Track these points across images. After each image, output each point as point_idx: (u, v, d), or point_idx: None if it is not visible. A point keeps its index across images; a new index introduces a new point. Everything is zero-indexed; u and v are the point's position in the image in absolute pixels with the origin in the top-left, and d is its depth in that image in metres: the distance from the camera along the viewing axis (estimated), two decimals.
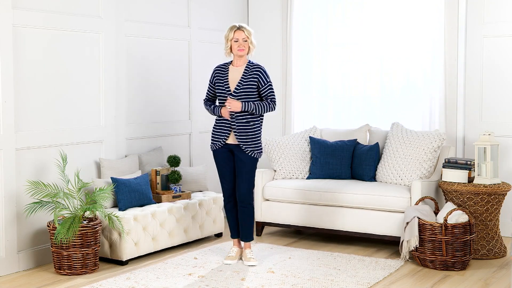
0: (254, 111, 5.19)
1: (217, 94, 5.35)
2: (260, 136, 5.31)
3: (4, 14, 5.01)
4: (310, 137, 6.50)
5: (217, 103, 5.45)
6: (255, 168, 5.36)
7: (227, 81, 5.28)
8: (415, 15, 6.57)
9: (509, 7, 6.15)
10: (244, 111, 5.19)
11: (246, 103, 5.17)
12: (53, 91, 5.43)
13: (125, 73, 6.06)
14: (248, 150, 5.24)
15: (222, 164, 5.38)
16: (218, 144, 5.32)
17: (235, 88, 5.22)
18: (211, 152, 5.52)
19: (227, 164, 5.37)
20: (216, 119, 5.38)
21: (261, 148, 5.32)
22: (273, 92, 5.30)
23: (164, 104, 6.50)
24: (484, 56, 6.27)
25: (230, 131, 5.26)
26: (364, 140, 6.45)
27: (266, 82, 5.25)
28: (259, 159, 5.42)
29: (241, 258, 5.44)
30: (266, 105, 5.25)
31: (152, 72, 6.37)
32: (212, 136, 5.38)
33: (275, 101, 5.29)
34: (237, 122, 5.22)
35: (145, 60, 6.29)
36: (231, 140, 5.29)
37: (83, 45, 5.65)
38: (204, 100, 5.50)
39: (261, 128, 5.32)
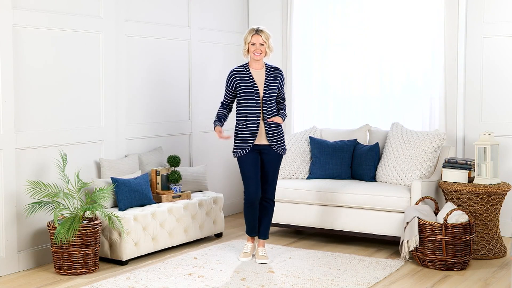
0: (286, 116, 5.53)
1: (243, 97, 5.32)
2: (284, 134, 5.49)
3: (4, 14, 5.02)
4: (310, 137, 6.50)
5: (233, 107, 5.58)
6: (280, 165, 5.53)
7: (255, 84, 5.33)
8: (415, 15, 6.57)
9: (509, 7, 6.15)
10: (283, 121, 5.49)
11: (281, 115, 5.43)
12: (53, 91, 5.43)
13: (125, 73, 6.06)
14: (278, 149, 5.39)
15: (249, 167, 5.38)
16: (247, 149, 5.33)
17: (264, 91, 5.32)
18: (236, 158, 5.48)
19: (255, 165, 5.40)
20: (239, 126, 5.35)
21: (285, 145, 5.53)
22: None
23: (164, 104, 6.50)
24: (484, 56, 6.28)
25: (257, 134, 5.32)
26: (364, 140, 6.45)
27: (283, 84, 5.50)
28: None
29: (253, 255, 5.50)
30: (285, 106, 5.55)
31: (152, 72, 6.37)
32: (237, 143, 5.36)
33: (285, 99, 5.60)
34: (269, 125, 5.33)
35: (145, 60, 6.29)
36: (262, 141, 5.36)
37: (83, 45, 5.66)
38: (220, 104, 5.53)
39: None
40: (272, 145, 5.37)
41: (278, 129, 5.38)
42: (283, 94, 5.52)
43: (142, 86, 6.27)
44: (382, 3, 6.76)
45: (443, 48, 6.40)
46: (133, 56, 6.15)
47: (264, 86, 5.32)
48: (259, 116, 5.31)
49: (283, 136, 5.45)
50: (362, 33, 6.90)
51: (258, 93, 5.32)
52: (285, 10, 7.28)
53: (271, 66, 5.44)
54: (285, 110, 5.51)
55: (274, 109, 5.39)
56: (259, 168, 5.40)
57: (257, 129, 5.31)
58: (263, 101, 5.31)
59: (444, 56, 6.40)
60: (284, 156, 6.37)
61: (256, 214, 5.48)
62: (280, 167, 6.36)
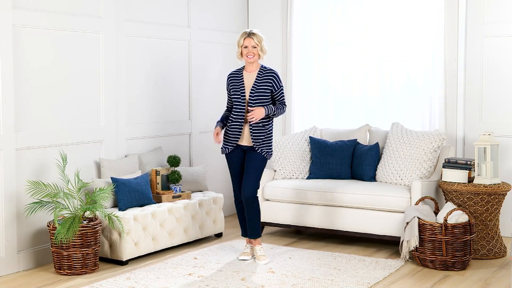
0: (274, 112, 5.34)
1: (233, 100, 5.41)
2: (272, 138, 5.44)
3: (4, 14, 5.02)
4: (310, 137, 6.50)
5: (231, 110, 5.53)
6: (263, 168, 5.45)
7: (243, 87, 5.36)
8: (415, 15, 6.57)
9: (509, 7, 6.15)
10: (267, 115, 5.30)
11: (267, 107, 5.30)
12: (53, 91, 5.43)
13: (125, 73, 6.06)
14: (262, 150, 5.34)
15: (234, 165, 5.46)
16: (230, 147, 5.39)
17: (250, 93, 5.31)
18: (224, 156, 5.56)
19: (238, 165, 5.45)
20: (227, 126, 5.43)
21: (272, 150, 5.47)
22: (284, 95, 5.45)
23: (164, 104, 6.50)
24: (484, 56, 6.27)
25: (241, 134, 5.34)
26: (364, 140, 6.45)
27: (279, 87, 5.40)
28: (268, 160, 5.53)
29: (253, 255, 5.51)
30: (280, 108, 5.40)
31: (152, 72, 6.37)
32: (224, 141, 5.45)
33: (285, 104, 5.46)
34: (253, 125, 5.31)
35: (145, 60, 6.29)
36: (245, 142, 5.38)
37: (83, 45, 5.66)
38: (225, 111, 5.59)
39: (272, 129, 5.45)
40: (256, 147, 5.34)
41: (263, 133, 5.34)
42: (281, 96, 5.38)
43: (142, 86, 6.27)
44: (382, 3, 6.76)
45: (443, 48, 6.40)
46: (133, 56, 6.15)
47: (251, 89, 5.32)
48: (243, 118, 5.34)
49: (270, 138, 5.41)
50: (362, 33, 6.90)
51: (244, 95, 5.34)
52: (285, 10, 7.28)
53: (265, 68, 5.41)
54: (277, 108, 5.33)
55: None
56: (242, 168, 5.44)
57: (241, 131, 5.34)
58: (248, 104, 5.31)
59: (444, 56, 6.40)
60: (284, 156, 6.38)
61: (241, 213, 5.54)
62: (280, 167, 6.38)
